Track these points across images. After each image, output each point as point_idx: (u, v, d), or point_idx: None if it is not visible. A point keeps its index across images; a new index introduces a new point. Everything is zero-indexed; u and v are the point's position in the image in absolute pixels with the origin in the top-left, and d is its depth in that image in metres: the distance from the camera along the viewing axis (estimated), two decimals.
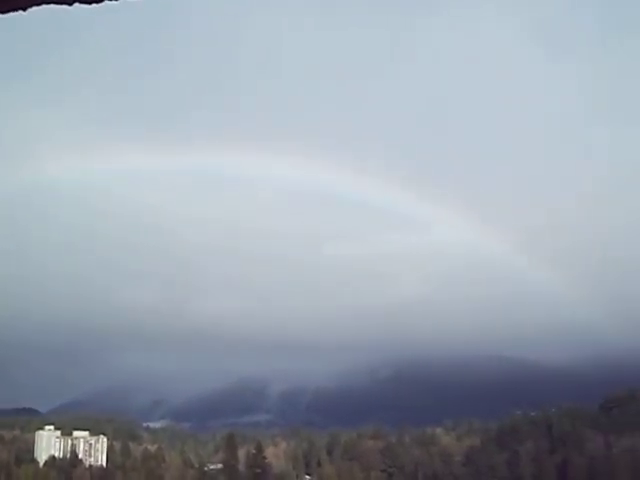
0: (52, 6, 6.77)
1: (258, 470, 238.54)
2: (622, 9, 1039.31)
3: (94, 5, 6.82)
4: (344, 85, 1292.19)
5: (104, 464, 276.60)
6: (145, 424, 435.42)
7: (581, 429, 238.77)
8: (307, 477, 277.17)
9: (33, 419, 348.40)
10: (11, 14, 6.72)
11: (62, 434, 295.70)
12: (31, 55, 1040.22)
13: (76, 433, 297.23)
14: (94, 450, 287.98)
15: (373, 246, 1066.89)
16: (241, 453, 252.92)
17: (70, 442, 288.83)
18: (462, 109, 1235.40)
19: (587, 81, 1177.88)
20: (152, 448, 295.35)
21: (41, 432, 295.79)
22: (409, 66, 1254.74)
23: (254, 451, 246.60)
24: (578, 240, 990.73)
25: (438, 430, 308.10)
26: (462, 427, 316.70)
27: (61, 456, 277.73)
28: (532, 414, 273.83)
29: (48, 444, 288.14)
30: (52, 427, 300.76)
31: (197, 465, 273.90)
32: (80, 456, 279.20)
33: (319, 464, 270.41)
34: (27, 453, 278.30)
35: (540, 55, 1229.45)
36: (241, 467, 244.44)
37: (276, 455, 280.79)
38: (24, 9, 6.75)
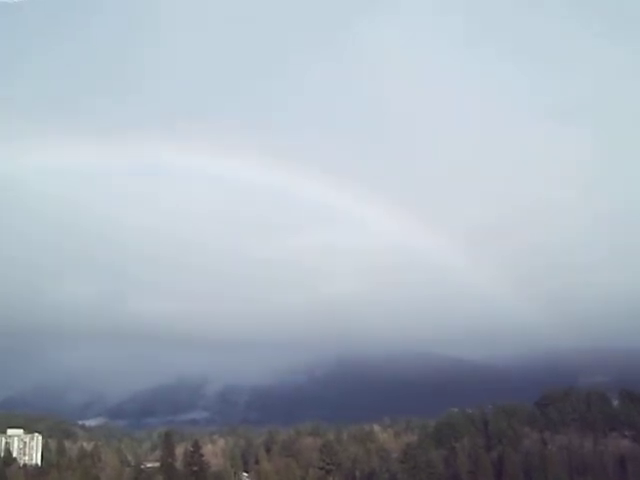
0: None
1: (195, 468, 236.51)
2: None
3: None
4: (282, 78, 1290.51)
5: (39, 463, 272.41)
6: (80, 422, 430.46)
7: (517, 426, 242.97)
8: (245, 474, 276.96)
9: None
10: None
11: None
12: None
13: (10, 431, 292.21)
14: (28, 448, 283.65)
15: (308, 242, 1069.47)
16: (178, 451, 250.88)
17: (4, 440, 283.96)
18: (402, 109, 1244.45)
19: (526, 80, 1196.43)
20: (88, 446, 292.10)
21: None
22: (351, 65, 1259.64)
23: (191, 449, 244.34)
24: (515, 242, 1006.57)
25: (375, 427, 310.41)
26: (400, 424, 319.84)
27: None
28: (469, 411, 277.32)
29: None
30: None
31: (133, 463, 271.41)
32: (14, 455, 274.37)
33: (257, 461, 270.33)
34: None
35: (486, 55, 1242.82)
36: (178, 465, 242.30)
37: (214, 453, 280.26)
38: None
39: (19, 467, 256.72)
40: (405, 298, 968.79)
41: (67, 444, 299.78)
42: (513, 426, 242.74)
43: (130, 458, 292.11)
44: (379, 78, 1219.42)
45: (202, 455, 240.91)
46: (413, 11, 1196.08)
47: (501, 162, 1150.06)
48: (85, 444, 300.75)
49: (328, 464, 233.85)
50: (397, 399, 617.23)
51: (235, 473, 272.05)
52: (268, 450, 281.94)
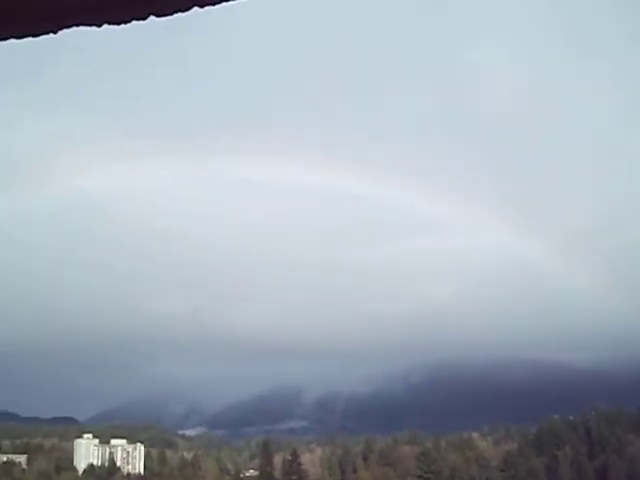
0: (81, 28, 6.87)
1: (294, 477, 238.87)
2: None
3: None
4: (373, 87, 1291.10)
5: (142, 472, 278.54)
6: (181, 432, 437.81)
7: (621, 433, 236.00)
8: None
9: (72, 428, 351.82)
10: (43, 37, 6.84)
11: (100, 442, 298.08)
12: (56, 72, 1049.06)
13: (114, 441, 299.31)
14: (131, 458, 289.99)
15: (404, 249, 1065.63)
16: (277, 460, 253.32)
17: (108, 450, 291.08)
18: (493, 111, 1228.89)
19: (621, 83, 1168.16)
20: (188, 456, 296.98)
21: (80, 440, 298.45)
22: (434, 70, 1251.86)
23: (290, 458, 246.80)
24: (611, 242, 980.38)
25: (474, 435, 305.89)
26: (499, 432, 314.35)
27: (99, 464, 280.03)
28: (570, 418, 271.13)
29: (87, 452, 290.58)
30: (90, 435, 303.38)
31: (233, 472, 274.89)
32: (118, 464, 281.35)
33: (355, 470, 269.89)
34: (66, 461, 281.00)
35: (572, 56, 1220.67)
36: (277, 474, 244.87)
37: (312, 462, 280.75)
38: (55, 32, 6.85)
39: (123, 476, 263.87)
40: (502, 302, 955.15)
41: (168, 453, 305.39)
42: (617, 433, 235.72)
43: (229, 467, 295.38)
44: (476, 89, 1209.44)
45: (300, 464, 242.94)
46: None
47: (597, 163, 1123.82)
48: (185, 454, 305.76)
49: (426, 473, 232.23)
50: (495, 406, 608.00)
51: None
52: (365, 459, 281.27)
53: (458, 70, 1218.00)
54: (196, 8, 6.76)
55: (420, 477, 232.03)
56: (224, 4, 6.81)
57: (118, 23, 6.61)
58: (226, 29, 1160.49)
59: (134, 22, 6.62)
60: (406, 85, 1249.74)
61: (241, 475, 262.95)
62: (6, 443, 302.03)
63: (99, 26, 6.61)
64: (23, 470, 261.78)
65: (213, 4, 6.79)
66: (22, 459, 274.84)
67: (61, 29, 6.59)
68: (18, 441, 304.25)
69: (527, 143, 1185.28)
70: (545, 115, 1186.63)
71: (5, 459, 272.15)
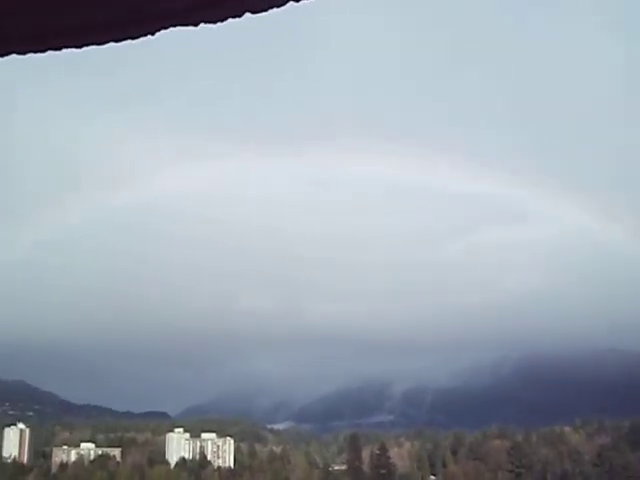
0: (179, 28, 6.82)
1: (383, 471, 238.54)
2: None
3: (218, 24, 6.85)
4: (448, 81, 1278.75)
5: (232, 465, 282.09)
6: (269, 426, 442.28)
7: None
8: (432, 477, 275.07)
9: (163, 422, 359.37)
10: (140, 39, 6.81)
11: (191, 436, 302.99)
12: (140, 71, 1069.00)
13: (204, 435, 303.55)
14: (222, 451, 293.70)
15: (486, 239, 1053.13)
16: (365, 454, 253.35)
17: (199, 444, 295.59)
18: (571, 103, 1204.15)
19: None
20: (277, 449, 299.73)
21: (171, 434, 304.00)
22: (511, 62, 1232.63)
23: (378, 452, 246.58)
24: None
25: (566, 429, 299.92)
26: (592, 425, 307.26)
27: (190, 457, 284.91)
28: None
29: (178, 446, 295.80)
30: (181, 430, 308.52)
31: (321, 466, 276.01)
32: (208, 457, 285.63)
33: (444, 464, 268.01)
34: (159, 455, 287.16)
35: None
36: (365, 468, 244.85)
37: (400, 455, 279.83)
38: (152, 34, 6.83)
39: (213, 469, 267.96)
40: (592, 292, 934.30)
41: (258, 447, 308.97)
42: None
43: (318, 461, 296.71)
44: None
45: (389, 458, 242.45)
46: None
47: None
48: (274, 447, 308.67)
49: (518, 467, 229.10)
50: (587, 399, 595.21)
51: (422, 476, 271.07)
52: (455, 453, 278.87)
53: (535, 55, 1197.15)
54: (292, 2, 6.62)
55: (512, 472, 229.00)
56: None
57: (214, 22, 6.54)
58: (321, 28, 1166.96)
59: (229, 20, 6.54)
60: (485, 72, 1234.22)
61: (330, 469, 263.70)
62: (101, 437, 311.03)
63: (195, 25, 6.57)
64: (117, 463, 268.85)
65: None
66: (116, 452, 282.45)
67: (158, 30, 6.56)
68: (112, 435, 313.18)
69: (606, 129, 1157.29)
70: (622, 99, 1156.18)
71: (100, 452, 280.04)
